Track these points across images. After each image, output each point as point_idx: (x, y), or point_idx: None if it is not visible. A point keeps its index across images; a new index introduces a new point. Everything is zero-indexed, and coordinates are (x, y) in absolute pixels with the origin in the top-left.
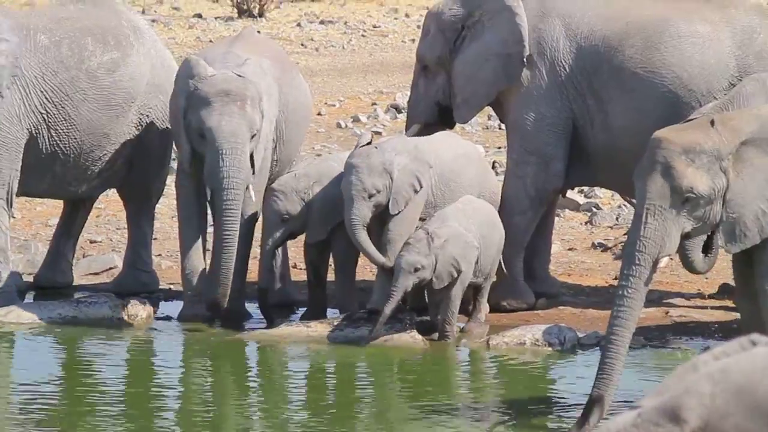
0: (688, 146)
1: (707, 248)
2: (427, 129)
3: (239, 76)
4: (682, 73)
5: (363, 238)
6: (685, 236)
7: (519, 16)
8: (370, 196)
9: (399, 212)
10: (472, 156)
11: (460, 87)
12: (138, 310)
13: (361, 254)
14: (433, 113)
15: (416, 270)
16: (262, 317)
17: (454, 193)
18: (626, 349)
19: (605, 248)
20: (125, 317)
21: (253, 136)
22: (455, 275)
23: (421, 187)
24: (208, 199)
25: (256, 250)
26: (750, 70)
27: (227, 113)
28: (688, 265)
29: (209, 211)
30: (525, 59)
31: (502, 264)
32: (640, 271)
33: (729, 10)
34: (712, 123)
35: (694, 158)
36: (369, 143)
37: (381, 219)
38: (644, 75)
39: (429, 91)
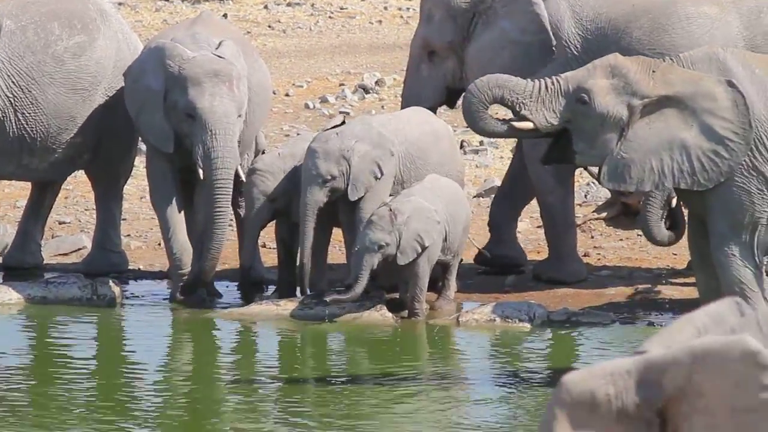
0: (620, 67)
1: (674, 224)
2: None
3: (220, 57)
4: None
5: (309, 226)
6: (564, 148)
7: (537, 4)
8: (325, 182)
9: (359, 198)
10: (440, 133)
11: (475, 74)
12: (107, 291)
13: (334, 233)
14: (441, 97)
15: (380, 248)
16: (240, 295)
17: (420, 171)
18: None
19: (575, 226)
20: (94, 298)
21: (238, 117)
22: (419, 250)
23: (382, 174)
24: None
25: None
26: (758, 50)
27: (218, 94)
28: (648, 234)
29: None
30: (554, 48)
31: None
32: (512, 98)
33: None
34: (655, 68)
35: (614, 76)
36: (342, 123)
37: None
38: (652, 57)
39: (436, 75)
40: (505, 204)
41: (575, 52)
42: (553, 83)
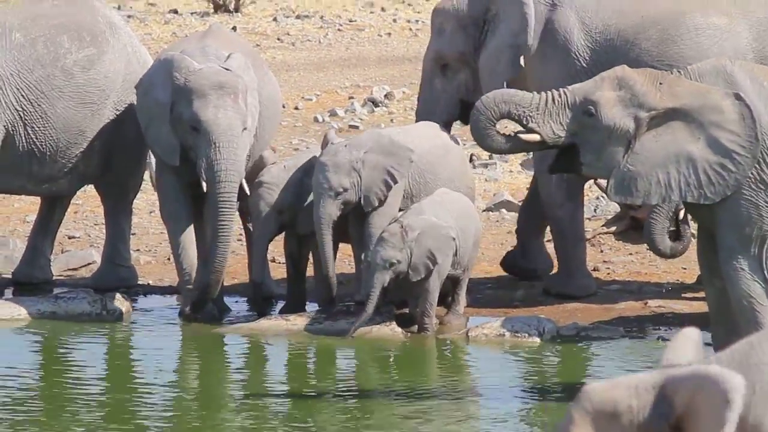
0: (627, 79)
1: (678, 235)
2: (446, 127)
3: (227, 69)
4: None
5: (326, 240)
6: (571, 158)
7: (526, 5)
8: (337, 195)
9: (373, 208)
10: (450, 147)
11: (485, 83)
12: (117, 306)
13: (341, 247)
14: (456, 111)
15: (391, 265)
16: (250, 310)
17: (430, 185)
18: None
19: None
20: (104, 312)
21: (243, 130)
22: (431, 267)
23: (395, 182)
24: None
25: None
26: (767, 62)
27: (222, 106)
28: (652, 245)
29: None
30: (528, 47)
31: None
32: (518, 112)
33: (745, 1)
34: (662, 80)
35: (621, 88)
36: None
37: (361, 212)
38: (661, 69)
39: (449, 88)
40: (529, 216)
41: (584, 64)
42: (560, 95)
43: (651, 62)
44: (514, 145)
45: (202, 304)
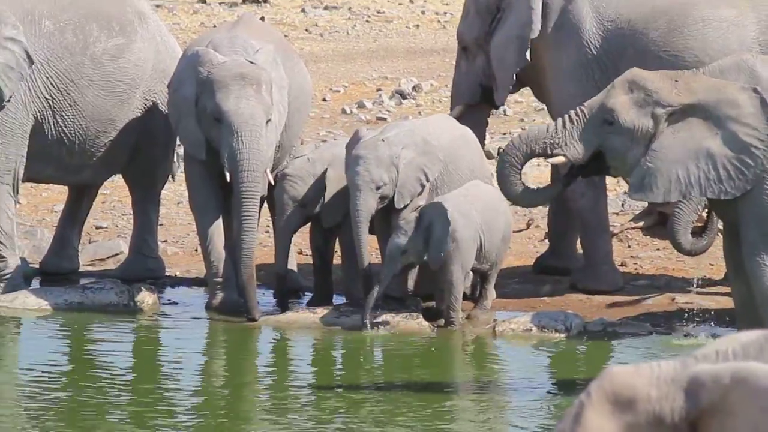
0: (638, 79)
1: (703, 232)
2: (470, 110)
3: (251, 62)
4: (704, 57)
5: (362, 233)
6: (599, 164)
7: None
8: (378, 188)
9: (405, 205)
10: (468, 139)
11: (494, 71)
12: (144, 297)
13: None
14: (476, 94)
15: (403, 252)
16: (276, 303)
17: (452, 176)
18: None
19: (611, 234)
20: (131, 303)
21: (267, 122)
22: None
23: (428, 180)
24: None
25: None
26: None
27: (244, 96)
28: (674, 242)
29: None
30: (530, 41)
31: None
32: (540, 146)
33: None
34: (677, 78)
35: (633, 89)
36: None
37: (387, 207)
38: (666, 59)
39: (470, 72)
40: (559, 216)
41: (595, 52)
42: (576, 114)
43: (658, 52)
44: (535, 195)
45: (251, 298)
